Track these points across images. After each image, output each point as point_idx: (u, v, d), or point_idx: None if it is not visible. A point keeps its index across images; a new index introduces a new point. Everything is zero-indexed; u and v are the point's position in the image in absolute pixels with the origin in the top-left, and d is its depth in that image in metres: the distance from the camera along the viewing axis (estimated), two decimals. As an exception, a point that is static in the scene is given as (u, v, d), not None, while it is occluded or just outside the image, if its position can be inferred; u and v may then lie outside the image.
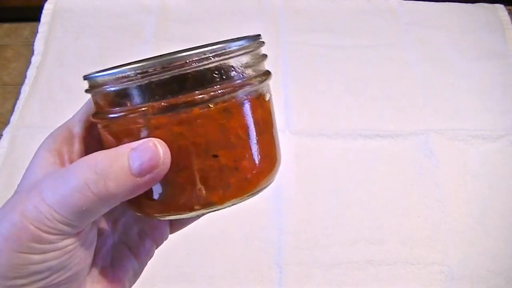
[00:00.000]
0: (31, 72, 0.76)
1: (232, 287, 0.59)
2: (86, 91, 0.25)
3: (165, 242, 0.32)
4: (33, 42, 0.79)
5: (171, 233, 0.31)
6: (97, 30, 0.81)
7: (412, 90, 0.76)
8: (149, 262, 0.30)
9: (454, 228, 0.63)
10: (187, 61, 0.22)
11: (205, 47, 0.23)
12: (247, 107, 0.24)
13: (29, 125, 0.70)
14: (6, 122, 0.71)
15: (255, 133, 0.25)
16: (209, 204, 0.24)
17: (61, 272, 0.23)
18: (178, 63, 0.22)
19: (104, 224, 0.28)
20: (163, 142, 0.22)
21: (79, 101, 0.27)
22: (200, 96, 0.22)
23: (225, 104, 0.23)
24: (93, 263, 0.26)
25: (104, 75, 0.23)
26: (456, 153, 0.69)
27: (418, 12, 0.85)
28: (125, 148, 0.22)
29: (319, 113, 0.73)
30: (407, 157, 0.69)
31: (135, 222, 0.29)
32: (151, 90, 0.22)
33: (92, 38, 0.80)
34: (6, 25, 0.89)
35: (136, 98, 0.23)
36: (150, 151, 0.22)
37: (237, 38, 0.24)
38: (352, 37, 0.82)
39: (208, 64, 0.22)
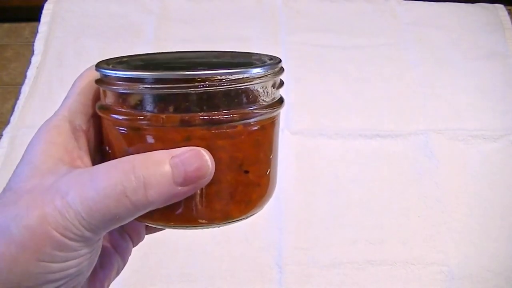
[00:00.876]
0: (31, 72, 0.76)
1: (232, 287, 0.59)
2: (98, 82, 0.24)
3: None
4: (33, 42, 0.79)
5: (146, 234, 0.31)
6: (97, 30, 0.81)
7: (412, 90, 0.76)
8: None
9: (454, 228, 0.63)
10: (243, 77, 0.22)
11: (253, 62, 0.23)
12: (274, 126, 0.25)
13: (29, 125, 0.70)
14: (6, 122, 0.71)
15: (274, 151, 0.26)
16: (228, 218, 0.24)
17: (78, 278, 0.22)
18: (230, 79, 0.22)
19: None
20: (209, 152, 0.21)
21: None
22: (245, 112, 0.22)
23: (262, 122, 0.24)
24: None
25: (146, 76, 0.22)
26: (456, 153, 0.69)
27: (418, 12, 0.85)
28: (165, 154, 0.21)
29: (319, 113, 0.73)
30: (407, 157, 0.69)
31: None
32: (193, 101, 0.21)
33: (92, 38, 0.80)
34: (6, 25, 0.89)
35: (175, 105, 0.22)
36: (199, 160, 0.21)
37: (263, 59, 0.25)
38: (352, 37, 0.82)
39: (254, 83, 0.23)
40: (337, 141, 0.70)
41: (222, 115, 0.22)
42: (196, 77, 0.21)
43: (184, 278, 0.59)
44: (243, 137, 0.23)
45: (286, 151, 0.68)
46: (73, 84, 0.26)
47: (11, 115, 0.72)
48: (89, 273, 0.23)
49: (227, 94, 0.22)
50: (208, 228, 0.25)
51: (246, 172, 0.24)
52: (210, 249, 0.61)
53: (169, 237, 0.60)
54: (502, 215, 0.65)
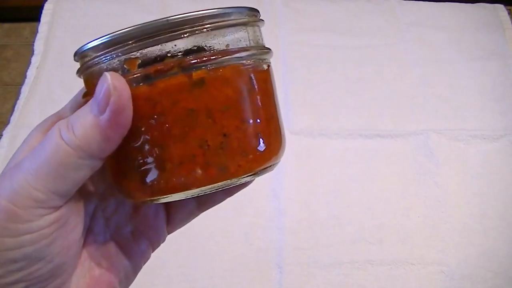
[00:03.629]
0: (31, 72, 0.76)
1: (232, 287, 0.59)
2: (78, 71, 0.24)
3: (165, 242, 0.31)
4: (33, 42, 0.79)
5: (168, 232, 0.30)
6: (97, 30, 0.80)
7: (412, 90, 0.76)
8: (149, 262, 0.30)
9: (454, 228, 0.63)
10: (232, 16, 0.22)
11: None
12: (270, 71, 0.25)
13: (29, 125, 0.70)
14: (6, 122, 0.71)
15: (277, 100, 0.26)
16: (267, 159, 0.24)
17: (41, 264, 0.21)
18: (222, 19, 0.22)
19: (95, 222, 0.27)
20: (115, 74, 0.21)
21: (79, 101, 0.27)
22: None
23: (260, 63, 0.24)
24: (81, 261, 0.25)
25: (99, 43, 0.22)
26: (456, 153, 0.69)
27: (418, 12, 0.85)
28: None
29: (319, 113, 0.73)
30: (407, 157, 0.69)
31: (128, 220, 0.28)
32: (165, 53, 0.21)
33: (92, 38, 0.80)
34: (6, 25, 0.89)
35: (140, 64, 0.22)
36: (103, 82, 0.21)
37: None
38: (352, 37, 0.82)
39: (241, 21, 0.23)
40: (337, 141, 0.70)
41: (219, 54, 0.22)
42: (186, 18, 0.21)
43: (184, 278, 0.59)
44: (251, 74, 0.23)
45: (286, 151, 0.68)
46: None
47: (11, 115, 0.72)
48: (63, 262, 0.23)
49: (214, 33, 0.22)
50: (238, 181, 0.23)
51: (258, 118, 0.23)
52: (210, 249, 0.61)
53: (169, 237, 0.60)
54: (502, 215, 0.65)
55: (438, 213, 0.64)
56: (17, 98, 0.73)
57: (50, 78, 0.75)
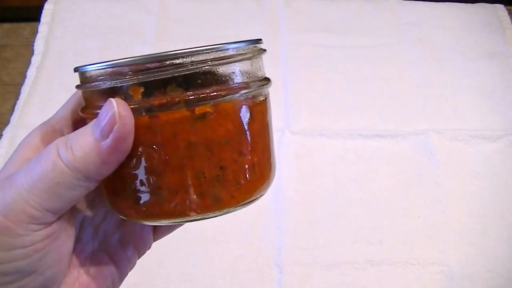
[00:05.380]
0: (31, 72, 0.76)
1: (232, 287, 0.59)
2: (78, 86, 0.24)
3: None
4: (33, 42, 0.79)
5: (154, 240, 0.30)
6: (97, 30, 0.81)
7: (412, 90, 0.76)
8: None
9: (454, 228, 0.63)
10: (212, 58, 0.22)
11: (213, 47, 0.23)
12: (268, 104, 0.26)
13: (29, 125, 0.70)
14: (6, 122, 0.71)
15: (271, 131, 0.26)
16: (252, 192, 0.24)
17: (33, 277, 0.21)
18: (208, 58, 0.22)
19: (84, 231, 0.27)
20: (122, 101, 0.21)
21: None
22: (242, 86, 0.22)
23: (261, 95, 0.24)
24: (70, 270, 0.25)
25: (103, 67, 0.22)
26: (456, 153, 0.69)
27: (418, 12, 0.85)
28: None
29: (319, 113, 0.73)
30: (407, 157, 0.69)
31: (116, 229, 0.28)
32: (162, 84, 0.22)
33: (92, 38, 0.80)
34: (6, 25, 0.89)
35: (144, 92, 0.22)
36: (109, 108, 0.21)
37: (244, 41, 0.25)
38: (352, 37, 0.82)
39: (224, 62, 0.23)
40: (337, 141, 0.70)
41: (224, 89, 0.22)
42: (195, 53, 0.22)
43: (184, 278, 0.59)
44: (250, 107, 0.23)
45: (286, 151, 0.68)
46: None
47: (11, 115, 0.72)
48: (54, 275, 0.23)
49: (216, 70, 0.22)
50: (230, 211, 0.24)
51: (243, 153, 0.23)
52: (210, 249, 0.61)
53: (169, 237, 0.60)
54: (502, 215, 0.65)
55: (438, 213, 0.64)
56: (17, 98, 0.73)
57: (50, 78, 0.75)
